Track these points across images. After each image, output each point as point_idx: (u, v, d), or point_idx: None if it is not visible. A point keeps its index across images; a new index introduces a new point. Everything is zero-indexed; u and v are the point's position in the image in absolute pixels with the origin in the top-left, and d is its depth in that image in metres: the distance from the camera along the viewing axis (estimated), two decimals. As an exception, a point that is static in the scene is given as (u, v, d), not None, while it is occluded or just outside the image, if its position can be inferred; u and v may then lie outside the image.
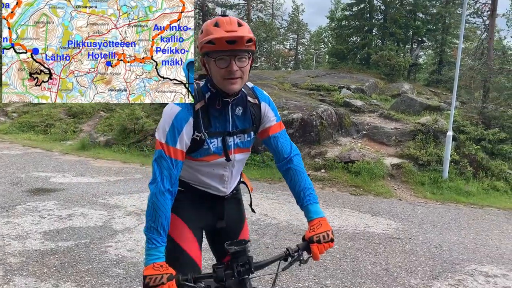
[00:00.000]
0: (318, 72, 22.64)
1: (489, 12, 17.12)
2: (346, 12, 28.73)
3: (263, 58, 41.75)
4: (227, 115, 1.86)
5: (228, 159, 1.90)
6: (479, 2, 19.27)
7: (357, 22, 27.68)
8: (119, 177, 8.76)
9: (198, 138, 1.81)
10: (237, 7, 38.39)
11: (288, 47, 48.95)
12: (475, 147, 10.15)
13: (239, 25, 1.71)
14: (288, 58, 49.22)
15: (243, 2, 38.18)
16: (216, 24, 1.69)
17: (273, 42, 42.06)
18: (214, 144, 1.86)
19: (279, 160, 2.03)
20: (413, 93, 17.18)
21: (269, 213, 6.38)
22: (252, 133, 1.97)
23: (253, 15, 38.97)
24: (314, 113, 11.04)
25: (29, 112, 16.89)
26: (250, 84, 1.99)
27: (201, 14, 32.96)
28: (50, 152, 11.86)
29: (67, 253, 4.46)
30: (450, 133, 9.37)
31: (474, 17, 21.07)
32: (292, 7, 46.70)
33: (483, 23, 19.61)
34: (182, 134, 1.77)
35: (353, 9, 27.90)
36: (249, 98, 1.93)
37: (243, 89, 1.92)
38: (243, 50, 1.69)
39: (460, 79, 11.56)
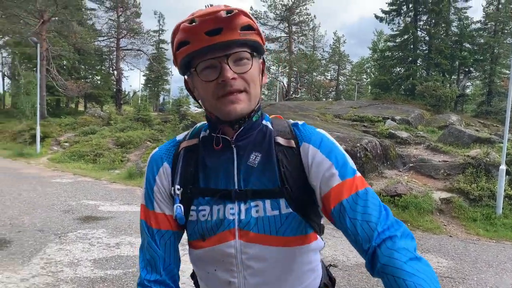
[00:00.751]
0: (361, 102, 22.48)
1: (541, 42, 16.56)
2: (389, 43, 28.70)
3: (304, 89, 41.99)
4: (230, 164, 1.11)
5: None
6: (530, 31, 18.70)
7: (400, 53, 27.50)
8: (164, 207, 8.89)
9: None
10: (279, 40, 39.18)
11: (329, 77, 49.07)
12: (531, 182, 9.61)
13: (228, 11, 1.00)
14: (329, 89, 49.26)
15: (285, 35, 38.95)
16: (192, 21, 1.01)
17: (314, 73, 42.35)
18: (203, 213, 1.11)
19: (360, 251, 1.02)
20: (461, 125, 16.66)
21: (314, 247, 6.26)
22: (282, 201, 1.08)
23: (295, 47, 39.58)
24: (358, 144, 10.91)
25: (80, 142, 17.69)
26: (290, 121, 1.22)
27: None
28: (98, 180, 12.30)
29: (116, 281, 4.55)
30: (503, 167, 8.95)
31: (524, 47, 20.43)
32: (333, 38, 47.13)
33: (535, 53, 18.96)
34: (156, 188, 1.16)
35: (397, 40, 27.80)
36: (278, 139, 1.13)
37: (266, 123, 1.18)
38: (239, 42, 1.01)
39: (512, 110, 11.11)
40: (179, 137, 1.24)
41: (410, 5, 27.08)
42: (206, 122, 1.21)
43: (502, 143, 9.51)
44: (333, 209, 1.03)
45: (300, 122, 1.19)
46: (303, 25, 38.95)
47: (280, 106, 18.30)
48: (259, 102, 1.11)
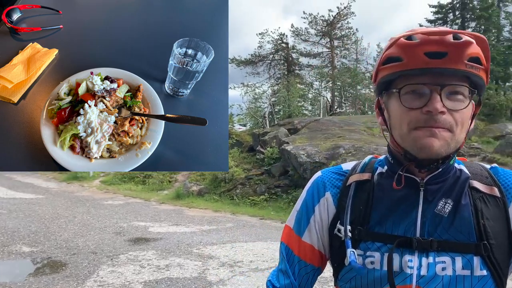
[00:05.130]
0: (409, 115, 21.74)
1: None
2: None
3: (348, 103, 41.40)
4: (413, 209, 0.95)
5: None
6: None
7: (448, 62, 26.52)
8: (212, 226, 8.93)
9: (342, 237, 0.99)
10: (321, 55, 39.01)
11: (374, 91, 48.03)
12: None
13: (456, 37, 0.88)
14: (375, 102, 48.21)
15: (327, 50, 38.75)
16: (410, 38, 0.90)
17: (358, 87, 41.67)
18: (371, 259, 0.95)
19: None
20: (519, 134, 15.73)
21: None
22: (477, 259, 0.90)
23: (337, 61, 39.26)
24: (408, 159, 10.51)
25: (130, 163, 18.21)
26: (486, 165, 1.05)
27: (286, 65, 34.03)
28: (148, 201, 12.56)
29: (166, 305, 4.55)
30: None
31: None
32: (377, 51, 46.32)
33: None
34: (313, 218, 1.05)
35: (443, 49, 26.87)
36: (475, 183, 0.97)
37: (460, 166, 1.01)
38: (462, 73, 0.87)
39: None
40: (346, 166, 1.12)
41: (457, 12, 26.22)
42: (377, 157, 1.10)
43: None
44: None
45: (497, 166, 1.05)
46: (345, 39, 38.62)
47: (325, 122, 18.05)
48: (459, 148, 0.95)
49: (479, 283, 0.89)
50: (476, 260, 0.89)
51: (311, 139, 13.54)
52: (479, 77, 0.89)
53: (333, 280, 1.08)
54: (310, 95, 41.35)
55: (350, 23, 37.76)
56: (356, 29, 38.54)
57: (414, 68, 0.88)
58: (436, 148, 0.88)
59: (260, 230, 8.67)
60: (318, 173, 1.11)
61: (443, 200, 0.94)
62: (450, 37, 0.86)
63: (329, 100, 37.58)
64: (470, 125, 0.95)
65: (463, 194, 0.94)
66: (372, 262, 0.94)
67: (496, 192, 0.96)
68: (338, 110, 36.45)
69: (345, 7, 35.97)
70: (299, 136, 14.25)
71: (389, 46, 0.93)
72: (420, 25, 27.57)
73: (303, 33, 37.66)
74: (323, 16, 36.90)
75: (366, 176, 1.04)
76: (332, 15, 36.61)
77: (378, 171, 1.04)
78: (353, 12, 36.37)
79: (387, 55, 0.94)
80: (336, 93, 38.25)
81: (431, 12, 27.45)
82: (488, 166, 1.04)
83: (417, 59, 0.87)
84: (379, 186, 1.00)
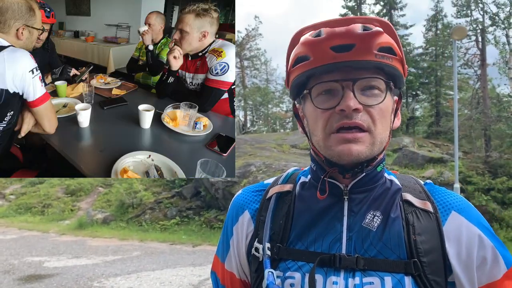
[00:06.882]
0: (316, 131, 22.71)
1: (479, 62, 17.49)
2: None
3: (260, 121, 42.32)
4: (337, 222, 0.84)
5: None
6: (468, 54, 19.76)
7: (350, 81, 28.32)
8: (117, 256, 8.35)
9: (260, 257, 0.86)
10: (232, 75, 39.54)
11: (284, 109, 49.79)
12: (485, 198, 9.79)
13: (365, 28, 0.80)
14: (285, 120, 49.87)
15: (238, 70, 39.40)
16: (318, 34, 0.81)
17: (269, 105, 42.82)
18: (291, 281, 0.82)
19: None
20: (414, 147, 17.06)
21: None
22: (408, 279, 0.78)
23: (248, 81, 40.06)
24: (316, 174, 10.81)
25: (27, 193, 16.67)
26: (419, 180, 0.95)
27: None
28: (46, 233, 11.51)
29: None
30: (457, 185, 9.07)
31: (465, 68, 21.57)
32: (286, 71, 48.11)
33: (475, 73, 19.99)
34: (231, 241, 0.95)
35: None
36: (407, 196, 0.87)
37: (390, 177, 0.92)
38: (373, 64, 0.79)
39: (459, 129, 11.48)
40: (268, 181, 1.00)
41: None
42: (302, 169, 0.99)
43: (454, 161, 9.68)
44: None
45: (432, 182, 0.96)
46: (254, 59, 39.61)
47: (236, 141, 18.13)
48: (384, 149, 0.86)
49: None
50: (408, 281, 0.78)
51: (223, 158, 13.43)
52: (393, 67, 0.81)
53: None
54: (399, 122, 41.63)
55: (258, 44, 38.93)
56: (265, 50, 39.82)
57: (321, 65, 0.79)
58: (355, 153, 0.79)
59: (170, 256, 8.27)
60: (239, 192, 1.01)
61: (371, 213, 0.84)
62: (357, 28, 0.78)
63: (242, 119, 38.07)
64: (393, 121, 0.87)
65: (394, 206, 0.85)
66: (291, 285, 0.81)
67: (429, 206, 0.86)
68: (251, 128, 37.03)
69: (253, 29, 37.01)
70: (210, 156, 14.09)
71: (293, 44, 0.86)
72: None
73: (214, 53, 37.94)
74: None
75: (287, 187, 0.93)
76: (241, 36, 37.41)
77: (300, 181, 0.94)
78: (260, 34, 37.57)
79: (296, 54, 0.84)
80: (248, 112, 38.90)
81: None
82: (422, 182, 0.96)
83: (324, 55, 0.78)
84: (301, 197, 0.90)
